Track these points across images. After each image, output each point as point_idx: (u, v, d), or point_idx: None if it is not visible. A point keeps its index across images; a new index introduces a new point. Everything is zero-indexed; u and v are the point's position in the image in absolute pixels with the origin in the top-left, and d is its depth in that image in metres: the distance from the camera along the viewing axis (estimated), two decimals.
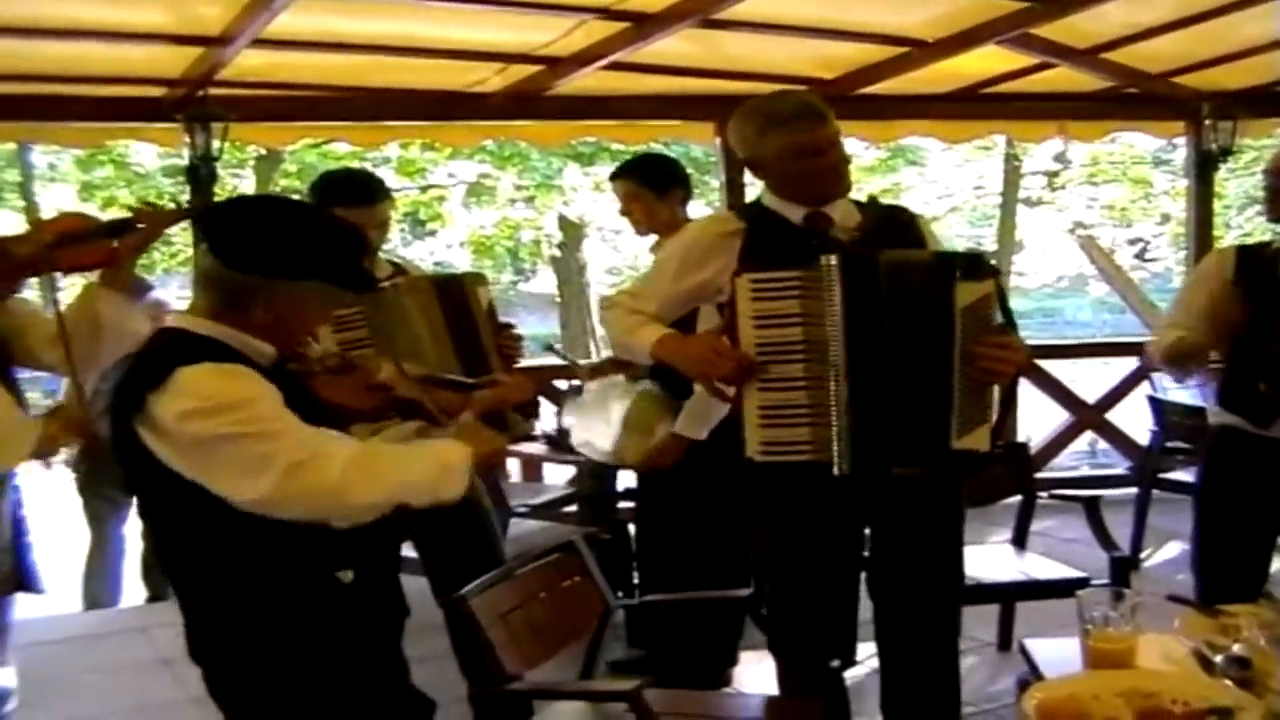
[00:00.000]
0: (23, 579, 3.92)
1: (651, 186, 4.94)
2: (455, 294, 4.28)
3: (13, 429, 3.56)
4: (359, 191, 4.25)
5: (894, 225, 3.50)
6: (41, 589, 3.98)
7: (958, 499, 3.55)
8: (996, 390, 3.29)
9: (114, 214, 4.05)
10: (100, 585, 6.86)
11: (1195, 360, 3.99)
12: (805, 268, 3.19)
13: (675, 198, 4.97)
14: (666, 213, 4.92)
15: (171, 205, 3.94)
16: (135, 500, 2.72)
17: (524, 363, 4.65)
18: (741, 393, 3.28)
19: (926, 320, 3.16)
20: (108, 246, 3.66)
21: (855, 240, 3.35)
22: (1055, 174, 23.43)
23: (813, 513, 3.36)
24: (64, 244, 3.58)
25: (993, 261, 3.28)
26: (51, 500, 7.13)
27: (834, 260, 3.16)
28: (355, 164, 11.92)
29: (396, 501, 2.56)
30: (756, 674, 4.95)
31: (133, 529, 6.88)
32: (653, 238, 5.02)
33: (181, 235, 17.11)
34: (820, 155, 3.37)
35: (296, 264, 2.57)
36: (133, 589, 6.99)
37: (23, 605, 5.07)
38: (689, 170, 5.28)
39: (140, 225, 3.68)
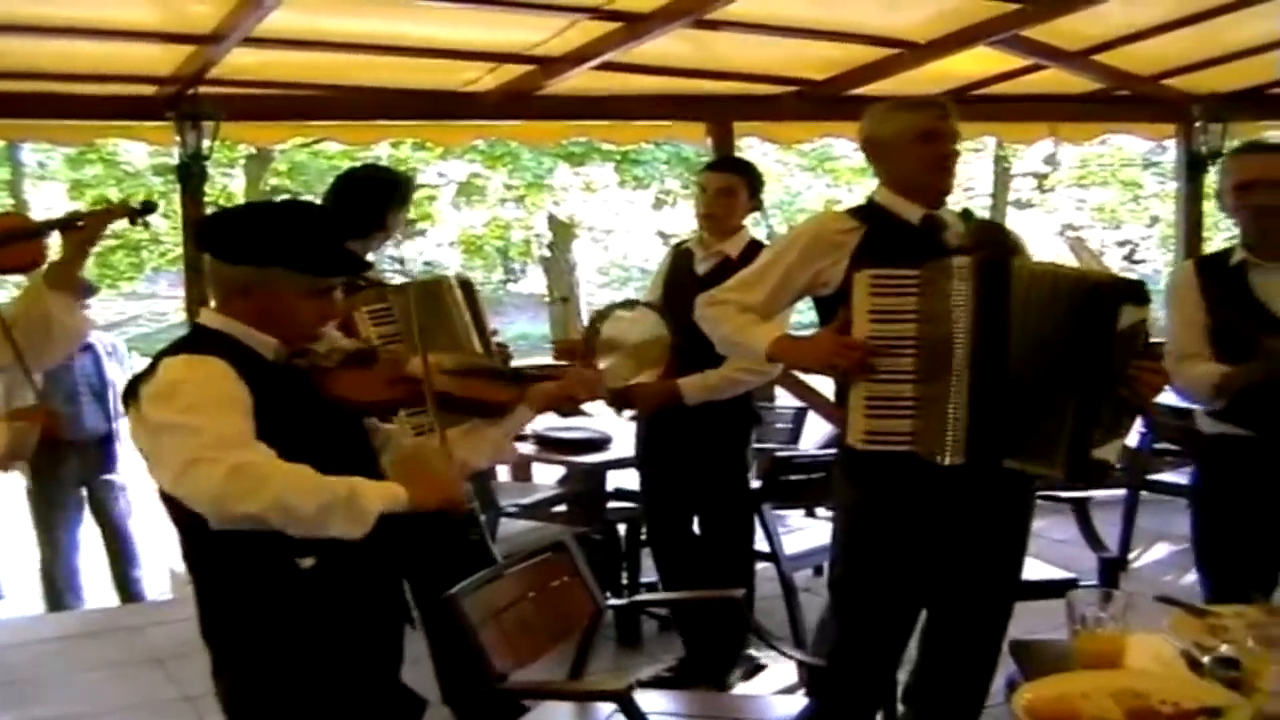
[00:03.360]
0: None
1: (749, 188, 5.00)
2: (473, 293, 4.35)
3: None
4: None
5: (995, 235, 3.69)
6: (0, 594, 3.94)
7: (1031, 507, 3.71)
8: None
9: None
10: (60, 589, 6.83)
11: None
12: (925, 267, 3.32)
13: (755, 206, 5.07)
14: (742, 217, 5.00)
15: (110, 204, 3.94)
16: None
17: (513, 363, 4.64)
18: (849, 384, 3.38)
19: (1086, 334, 3.24)
20: (39, 246, 3.64)
21: (968, 246, 3.47)
22: (1045, 176, 23.47)
23: (904, 503, 3.46)
24: None
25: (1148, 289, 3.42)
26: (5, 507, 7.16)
27: (967, 262, 3.30)
28: (345, 163, 11.88)
29: (270, 521, 2.46)
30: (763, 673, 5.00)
31: (88, 532, 6.91)
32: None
33: (171, 235, 17.20)
34: (935, 141, 3.54)
35: (257, 250, 2.67)
36: (104, 592, 7.02)
37: (17, 604, 5.09)
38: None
39: (80, 224, 3.67)
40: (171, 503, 2.65)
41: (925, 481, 3.36)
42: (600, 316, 4.54)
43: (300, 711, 2.70)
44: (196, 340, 2.71)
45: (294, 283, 2.68)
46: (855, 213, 3.68)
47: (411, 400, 2.85)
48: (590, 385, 3.18)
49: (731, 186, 4.96)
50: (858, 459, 3.45)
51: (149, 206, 3.85)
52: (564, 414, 3.55)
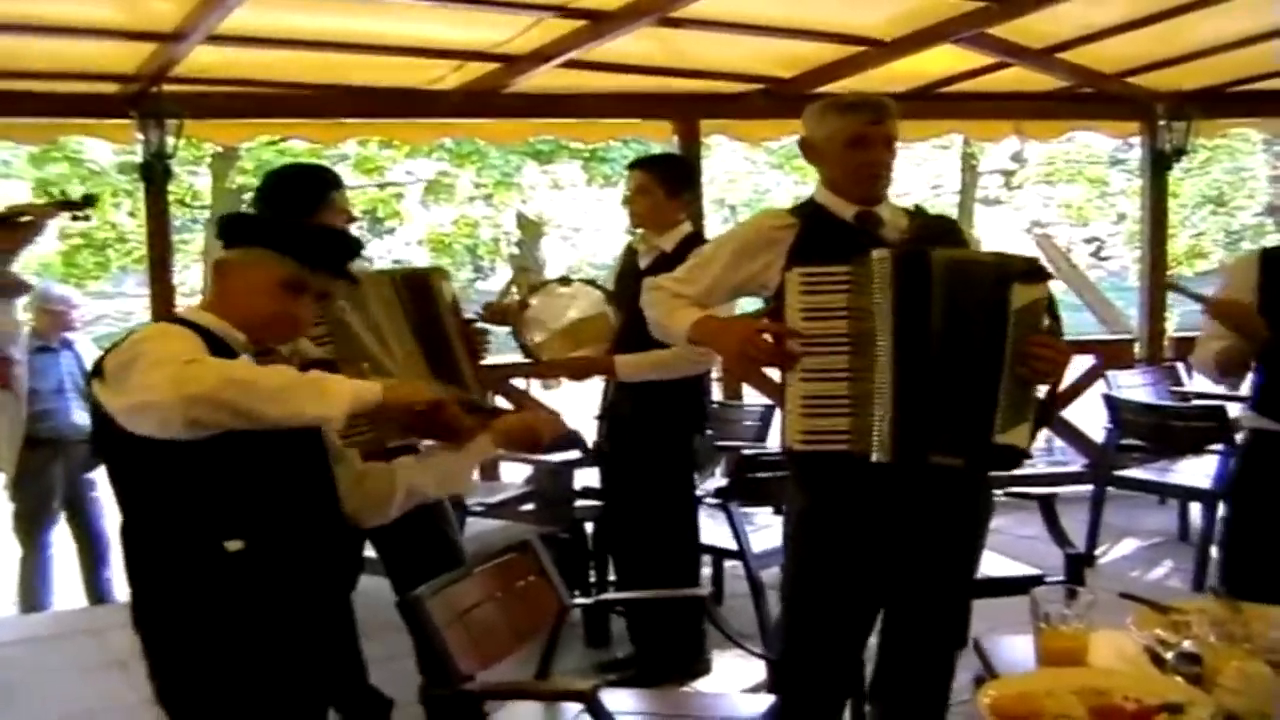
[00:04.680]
0: None
1: (664, 185, 5.01)
2: (418, 288, 4.24)
3: None
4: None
5: (939, 230, 3.62)
6: None
7: (987, 502, 3.66)
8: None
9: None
10: (33, 592, 6.84)
11: (1246, 362, 4.02)
12: (854, 263, 3.29)
13: (681, 201, 5.09)
14: (668, 213, 5.01)
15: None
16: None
17: (487, 360, 4.59)
18: (784, 382, 3.35)
19: (981, 318, 3.24)
20: None
21: (905, 241, 3.45)
22: (1012, 173, 23.58)
23: (847, 503, 3.43)
24: None
25: (1048, 268, 3.37)
26: None
27: (886, 255, 3.26)
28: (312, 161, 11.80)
29: (236, 403, 2.38)
30: (725, 670, 5.00)
31: (61, 535, 6.90)
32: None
33: (137, 234, 17.07)
34: (863, 147, 3.49)
35: (249, 231, 2.76)
36: (69, 593, 7.01)
37: None
38: None
39: (22, 219, 3.64)
40: (115, 474, 2.65)
41: (866, 480, 3.34)
42: (534, 288, 4.54)
43: (235, 708, 2.64)
44: (169, 320, 2.76)
45: (272, 268, 2.69)
46: (795, 210, 3.69)
47: (369, 416, 2.82)
48: (552, 426, 3.17)
49: (644, 184, 5.01)
50: (800, 460, 3.44)
51: (89, 200, 3.82)
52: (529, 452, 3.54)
